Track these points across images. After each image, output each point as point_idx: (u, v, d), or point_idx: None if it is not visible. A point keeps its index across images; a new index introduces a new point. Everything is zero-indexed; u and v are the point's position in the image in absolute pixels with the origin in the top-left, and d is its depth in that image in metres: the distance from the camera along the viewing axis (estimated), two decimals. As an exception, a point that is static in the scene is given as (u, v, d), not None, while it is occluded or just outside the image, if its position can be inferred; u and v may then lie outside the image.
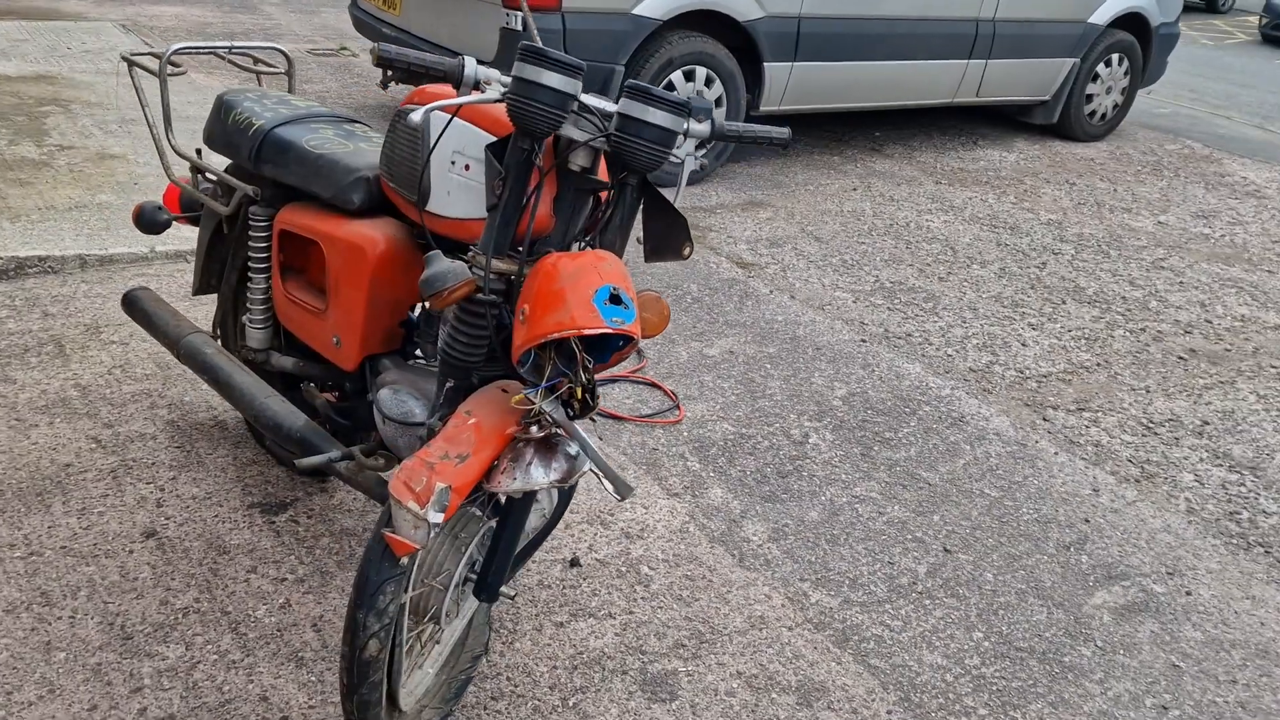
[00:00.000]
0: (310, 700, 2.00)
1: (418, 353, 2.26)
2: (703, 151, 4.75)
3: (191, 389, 2.96)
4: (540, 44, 1.88)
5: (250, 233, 2.36)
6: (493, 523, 1.96)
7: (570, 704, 2.07)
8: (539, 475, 1.69)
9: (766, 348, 3.66)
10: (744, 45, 5.24)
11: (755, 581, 2.48)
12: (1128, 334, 4.15)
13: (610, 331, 1.57)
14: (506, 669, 2.14)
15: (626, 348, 1.69)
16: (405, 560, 1.67)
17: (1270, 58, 13.95)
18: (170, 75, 2.46)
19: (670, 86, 5.05)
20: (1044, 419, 3.42)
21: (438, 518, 1.61)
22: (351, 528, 2.48)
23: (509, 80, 1.71)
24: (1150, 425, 3.45)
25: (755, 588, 2.46)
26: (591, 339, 1.67)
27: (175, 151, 2.50)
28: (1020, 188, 5.99)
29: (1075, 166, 6.58)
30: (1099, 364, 3.86)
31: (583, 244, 1.83)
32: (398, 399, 2.02)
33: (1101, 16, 6.68)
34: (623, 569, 2.47)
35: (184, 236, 3.82)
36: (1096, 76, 6.93)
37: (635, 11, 4.77)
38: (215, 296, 3.36)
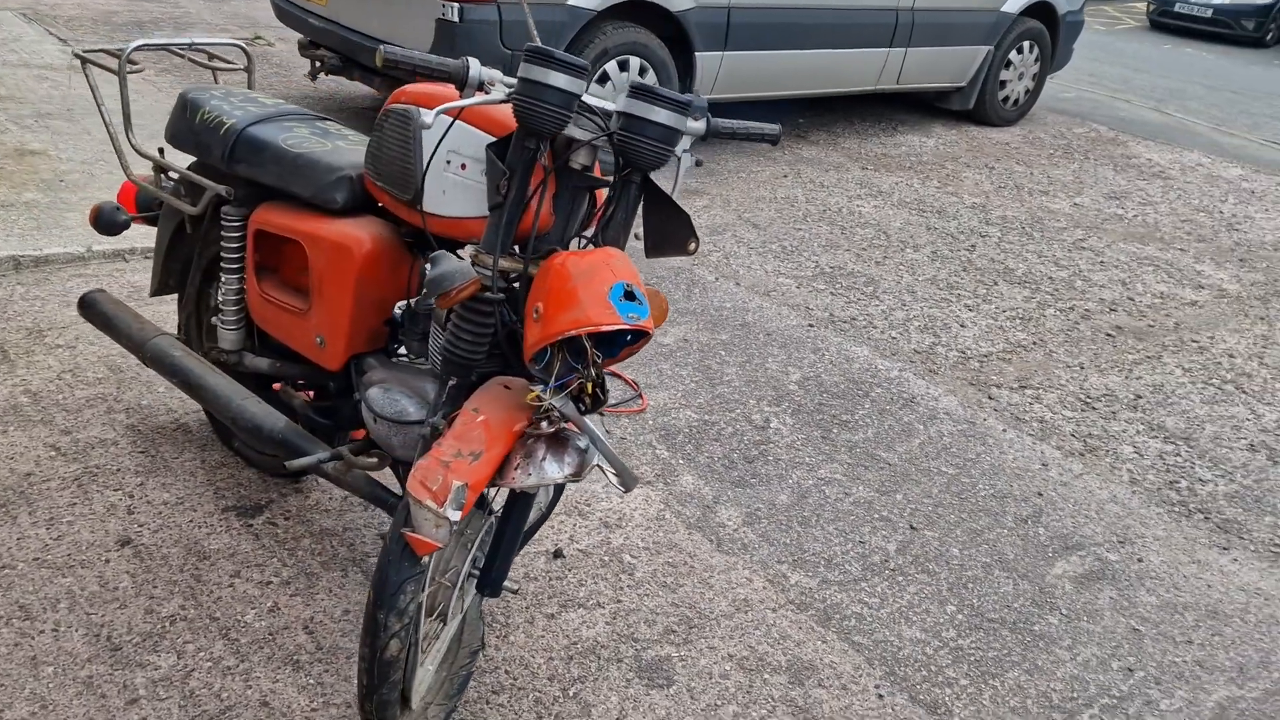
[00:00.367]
0: (312, 703, 1.99)
1: (400, 350, 2.25)
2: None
3: (148, 392, 2.89)
4: (539, 41, 1.90)
5: (223, 233, 2.31)
6: (493, 519, 1.97)
7: (571, 694, 2.10)
8: (554, 470, 1.71)
9: (719, 334, 3.72)
10: (676, 35, 5.28)
11: (735, 565, 2.54)
12: (1058, 313, 4.33)
13: (627, 327, 1.60)
14: (504, 663, 2.15)
15: (637, 343, 1.72)
16: (426, 559, 1.68)
17: (1158, 43, 14.55)
18: (129, 73, 2.39)
19: (605, 77, 5.07)
20: (989, 397, 3.55)
21: (456, 515, 1.62)
22: (331, 528, 2.46)
23: (512, 81, 1.72)
24: (1088, 400, 3.62)
25: (736, 571, 2.52)
26: (601, 335, 1.70)
27: (137, 151, 2.44)
28: (942, 172, 6.17)
29: (992, 151, 6.80)
30: (1035, 343, 4.02)
31: (584, 241, 1.85)
32: (390, 398, 2.01)
33: (1013, 5, 6.90)
34: (605, 558, 2.50)
35: (123, 236, 3.70)
36: (1009, 63, 7.16)
37: (571, 2, 4.77)
38: (171, 298, 3.29)
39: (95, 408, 2.79)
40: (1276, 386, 3.91)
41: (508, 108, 1.82)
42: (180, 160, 2.58)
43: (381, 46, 1.67)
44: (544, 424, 1.73)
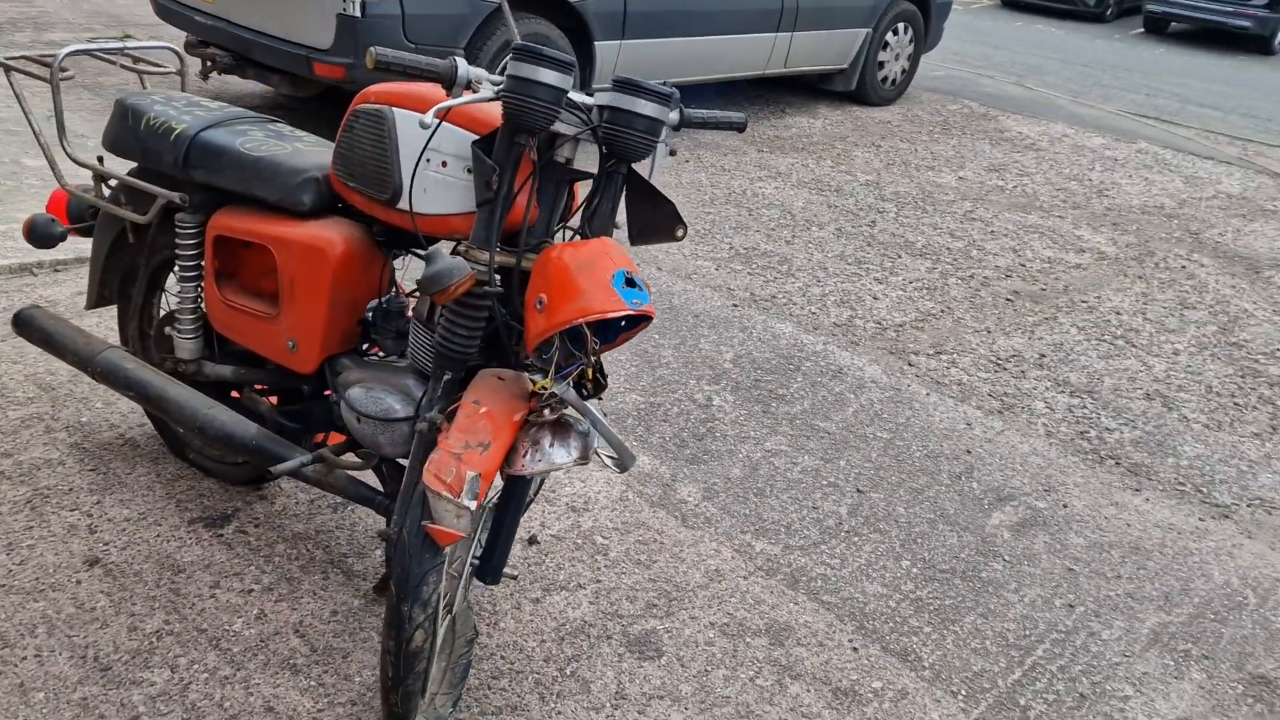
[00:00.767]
0: (316, 704, 2.00)
1: (370, 349, 2.26)
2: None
3: (85, 409, 2.81)
4: (519, 38, 1.94)
5: (179, 240, 2.28)
6: (490, 508, 2.01)
7: (568, 672, 2.16)
8: (561, 456, 1.77)
9: (649, 319, 3.80)
10: (575, 25, 5.33)
11: (702, 539, 2.63)
12: (959, 281, 4.57)
13: (632, 313, 1.67)
14: (499, 649, 2.20)
15: (635, 328, 1.79)
16: (447, 550, 1.72)
17: (1010, 20, 15.27)
18: (60, 80, 2.32)
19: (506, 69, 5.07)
20: (909, 364, 3.74)
21: (472, 504, 1.67)
22: (303, 532, 2.45)
23: (498, 79, 1.76)
24: (998, 362, 3.84)
25: (704, 544, 2.61)
26: (600, 322, 1.76)
27: (74, 160, 2.37)
28: (834, 152, 6.39)
29: (876, 129, 7.07)
30: (943, 311, 4.24)
31: (571, 233, 1.90)
32: (373, 396, 2.03)
33: (888, -12, 7.18)
34: (579, 541, 2.56)
35: (23, 248, 3.56)
36: (886, 45, 7.44)
37: (472, -6, 4.77)
38: (97, 312, 3.19)
39: (32, 428, 2.70)
40: (1161, 339, 4.22)
41: (488, 105, 1.86)
42: (117, 168, 2.52)
43: (373, 48, 1.69)
44: (546, 411, 1.78)
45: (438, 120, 1.84)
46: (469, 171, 1.86)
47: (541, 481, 2.15)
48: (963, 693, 2.25)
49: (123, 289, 2.58)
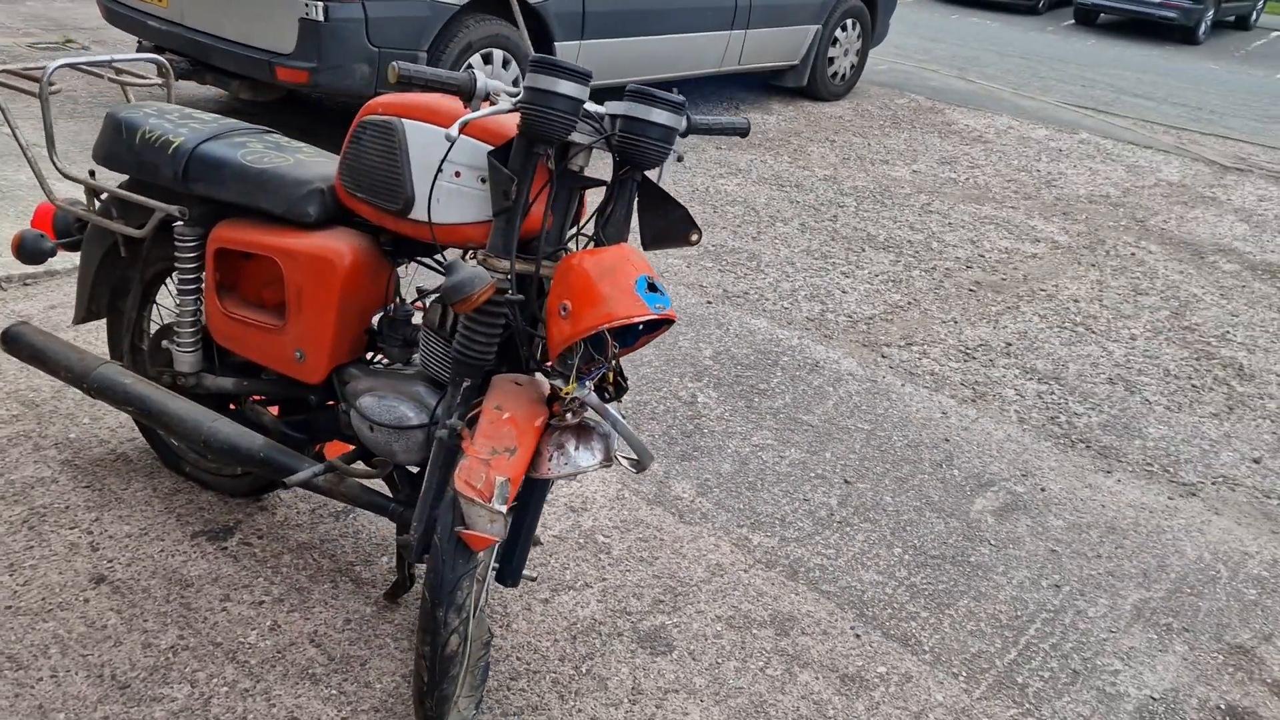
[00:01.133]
0: (340, 713, 2.01)
1: (377, 357, 2.27)
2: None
3: (73, 425, 2.77)
4: (527, 39, 1.97)
5: (178, 253, 2.27)
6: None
7: (584, 670, 2.20)
8: (585, 459, 1.80)
9: (626, 318, 3.84)
10: (535, 27, 5.34)
11: (701, 534, 2.69)
12: (923, 273, 4.68)
13: (656, 317, 1.71)
14: (514, 650, 2.23)
15: (655, 331, 1.83)
16: (481, 554, 1.74)
17: (946, 14, 15.55)
18: (49, 94, 2.30)
19: (469, 70, 5.07)
20: (882, 356, 3.83)
21: (503, 508, 1.70)
22: (307, 541, 2.46)
23: (516, 91, 1.79)
24: (967, 351, 3.95)
25: (703, 539, 2.67)
26: (620, 326, 1.80)
27: (64, 175, 2.35)
28: (790, 147, 6.48)
29: (829, 125, 7.18)
30: (909, 303, 4.34)
31: (585, 240, 1.94)
32: (385, 405, 2.05)
33: (837, -15, 7.29)
34: (581, 541, 2.60)
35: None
36: (836, 40, 7.55)
37: (433, -4, 4.76)
38: (83, 326, 3.14)
39: (20, 446, 2.66)
40: (1118, 325, 4.37)
41: (503, 116, 1.88)
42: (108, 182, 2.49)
43: (395, 63, 1.71)
44: (568, 415, 1.82)
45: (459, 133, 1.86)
46: (482, 181, 1.88)
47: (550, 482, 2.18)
48: (963, 674, 2.33)
49: (113, 303, 2.56)
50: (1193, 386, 3.89)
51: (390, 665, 2.13)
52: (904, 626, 2.46)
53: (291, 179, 2.11)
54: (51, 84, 2.31)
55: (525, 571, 2.08)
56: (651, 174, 1.93)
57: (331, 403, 2.30)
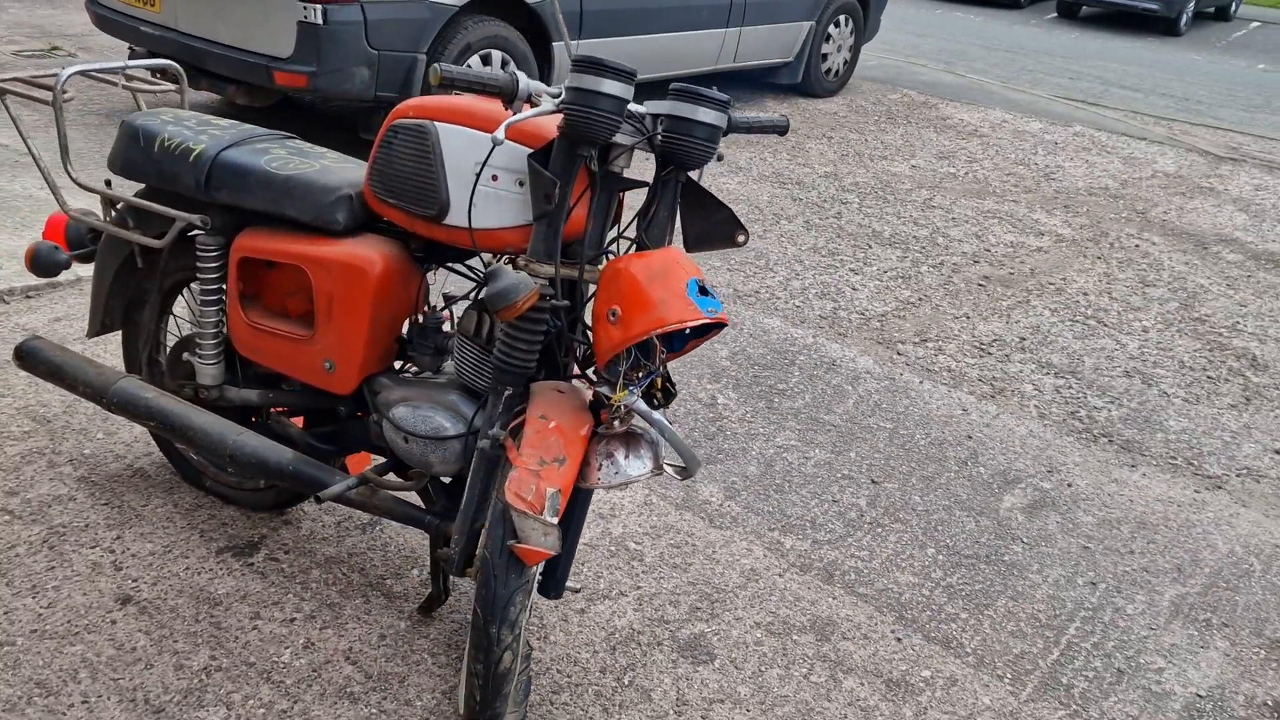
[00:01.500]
0: (382, 732, 1.96)
1: (405, 365, 2.22)
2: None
3: (87, 440, 2.71)
4: (568, 41, 1.92)
5: (200, 263, 2.21)
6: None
7: (626, 682, 2.15)
8: (636, 468, 1.76)
9: (639, 320, 3.80)
10: (533, 27, 5.29)
11: (732, 539, 2.65)
12: (931, 269, 4.65)
13: (710, 320, 1.67)
14: (553, 662, 2.18)
15: (705, 335, 1.79)
16: (532, 570, 1.70)
17: (931, 9, 15.57)
18: (63, 102, 2.23)
19: (509, 71, 5.02)
20: (898, 353, 3.80)
21: (554, 520, 1.66)
22: (335, 555, 2.40)
23: (557, 92, 1.75)
24: (982, 347, 3.93)
25: (735, 544, 2.63)
26: (671, 331, 1.75)
27: (79, 184, 2.29)
28: (788, 144, 6.45)
29: (825, 121, 7.15)
30: (920, 299, 4.31)
31: (628, 243, 1.89)
32: (421, 415, 2.00)
33: (829, -19, 7.26)
34: (612, 548, 2.56)
35: (-8, 275, 3.42)
36: (829, 37, 7.53)
37: (432, -2, 4.70)
38: (95, 338, 3.06)
39: (34, 463, 2.60)
40: (1129, 318, 4.35)
41: (542, 118, 1.83)
42: (124, 191, 2.43)
43: (437, 65, 1.66)
44: (616, 423, 1.77)
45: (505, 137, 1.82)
46: (520, 184, 1.84)
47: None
48: (1008, 676, 2.30)
49: (128, 315, 2.49)
50: (1208, 378, 3.87)
51: (430, 682, 2.08)
52: (944, 629, 2.42)
53: (319, 185, 2.05)
54: (65, 92, 2.25)
55: (569, 583, 2.04)
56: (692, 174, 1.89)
57: (361, 414, 2.25)
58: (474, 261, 2.18)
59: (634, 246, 1.86)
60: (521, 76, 1.71)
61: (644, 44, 5.94)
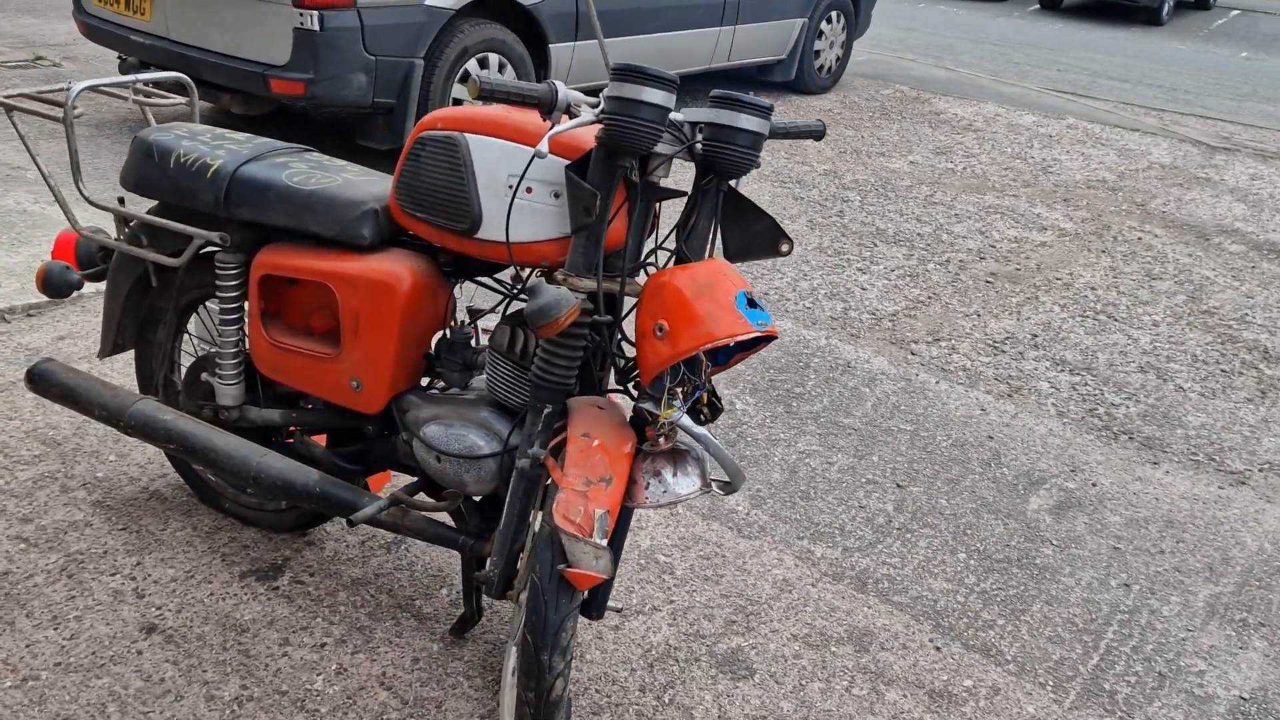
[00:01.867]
0: (422, 760, 1.91)
1: (433, 382, 2.17)
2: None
3: (100, 463, 2.64)
4: (602, 43, 1.88)
5: (219, 281, 2.15)
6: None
7: (666, 700, 2.11)
8: (684, 486, 1.71)
9: (650, 325, 3.75)
10: (529, 29, 5.24)
11: (762, 549, 2.61)
12: (938, 266, 4.62)
13: (759, 334, 1.62)
14: (591, 682, 2.14)
15: (752, 349, 1.75)
16: (583, 593, 1.65)
17: (914, 2, 15.57)
18: (74, 118, 2.17)
19: (466, 75, 4.97)
20: (912, 354, 3.77)
21: (604, 543, 1.61)
22: (361, 577, 2.35)
23: (596, 101, 1.70)
24: (995, 345, 3.90)
25: (765, 554, 2.59)
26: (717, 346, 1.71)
27: (91, 202, 2.23)
28: (785, 142, 6.41)
29: (819, 118, 7.11)
30: (929, 297, 4.28)
31: (668, 255, 1.85)
32: (454, 434, 1.95)
33: (820, -23, 7.23)
34: (642, 561, 2.51)
35: (-8, 294, 3.35)
36: (821, 33, 7.50)
37: (428, 3, 4.64)
38: (109, 359, 3.00)
39: (47, 488, 2.53)
40: (1138, 312, 4.34)
41: (578, 129, 1.79)
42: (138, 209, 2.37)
43: (477, 75, 1.61)
44: (661, 440, 1.73)
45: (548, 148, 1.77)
46: (555, 196, 1.79)
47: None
48: (1050, 683, 2.27)
49: (142, 334, 2.43)
50: (1222, 372, 3.86)
51: (467, 706, 2.04)
52: (982, 636, 2.39)
53: (344, 200, 2.00)
54: (75, 108, 2.19)
55: (611, 603, 1.99)
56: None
57: (388, 432, 2.20)
58: (501, 275, 2.13)
59: (673, 258, 1.82)
60: (560, 86, 1.66)
61: (640, 44, 5.89)
